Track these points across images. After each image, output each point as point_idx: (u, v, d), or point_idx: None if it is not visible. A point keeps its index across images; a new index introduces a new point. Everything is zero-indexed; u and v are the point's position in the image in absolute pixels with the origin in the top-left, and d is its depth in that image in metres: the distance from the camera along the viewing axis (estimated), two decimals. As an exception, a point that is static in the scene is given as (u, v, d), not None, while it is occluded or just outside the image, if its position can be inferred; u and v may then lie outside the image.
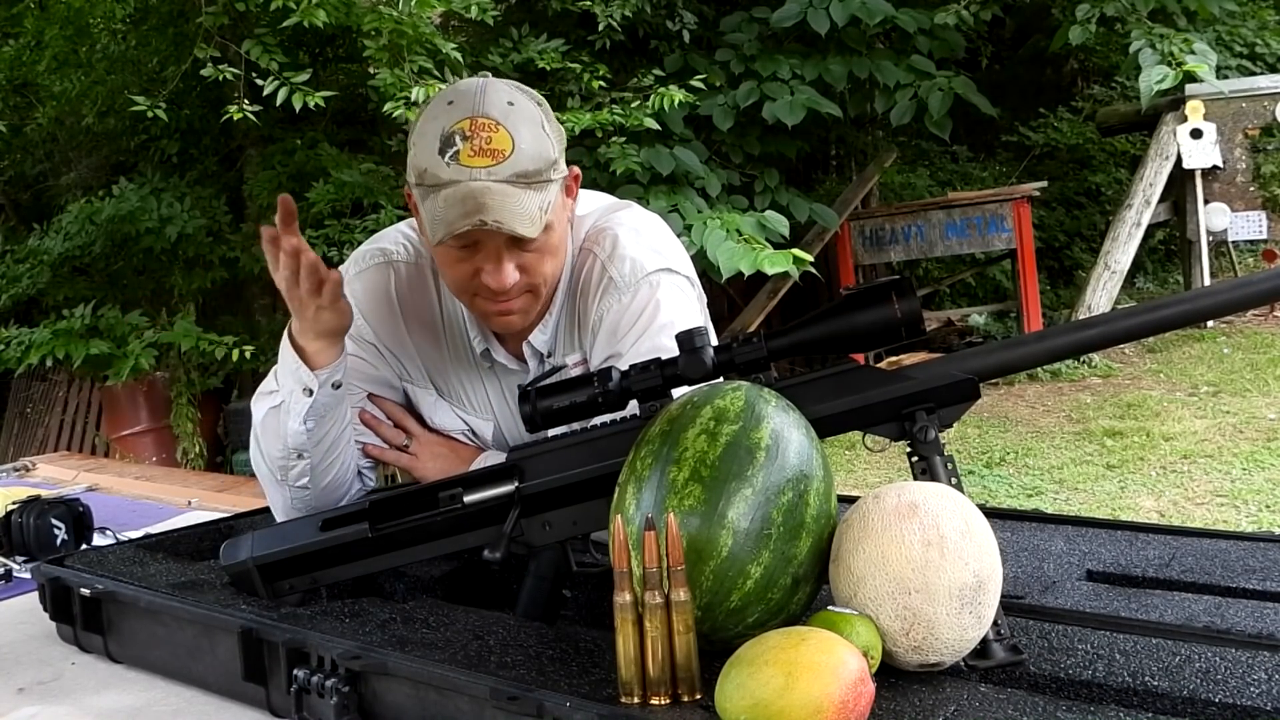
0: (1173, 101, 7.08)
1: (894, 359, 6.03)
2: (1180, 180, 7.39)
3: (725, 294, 6.76)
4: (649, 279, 1.39)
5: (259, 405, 1.39)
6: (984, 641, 0.95)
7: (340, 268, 1.51)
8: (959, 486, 1.03)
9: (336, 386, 1.35)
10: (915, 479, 1.05)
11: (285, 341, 1.35)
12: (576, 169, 1.41)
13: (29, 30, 5.76)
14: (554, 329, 1.45)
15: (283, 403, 1.35)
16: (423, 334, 1.50)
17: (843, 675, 0.81)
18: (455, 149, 1.24)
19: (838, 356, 1.12)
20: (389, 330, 1.49)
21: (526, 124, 1.28)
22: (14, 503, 1.66)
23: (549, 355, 1.46)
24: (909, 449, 1.08)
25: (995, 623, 0.95)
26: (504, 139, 1.25)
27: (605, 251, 1.42)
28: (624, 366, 1.14)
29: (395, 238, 1.53)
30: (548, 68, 5.44)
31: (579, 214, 1.48)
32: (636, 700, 0.89)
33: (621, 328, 1.38)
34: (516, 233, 1.25)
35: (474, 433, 1.53)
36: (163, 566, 1.37)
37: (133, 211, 5.47)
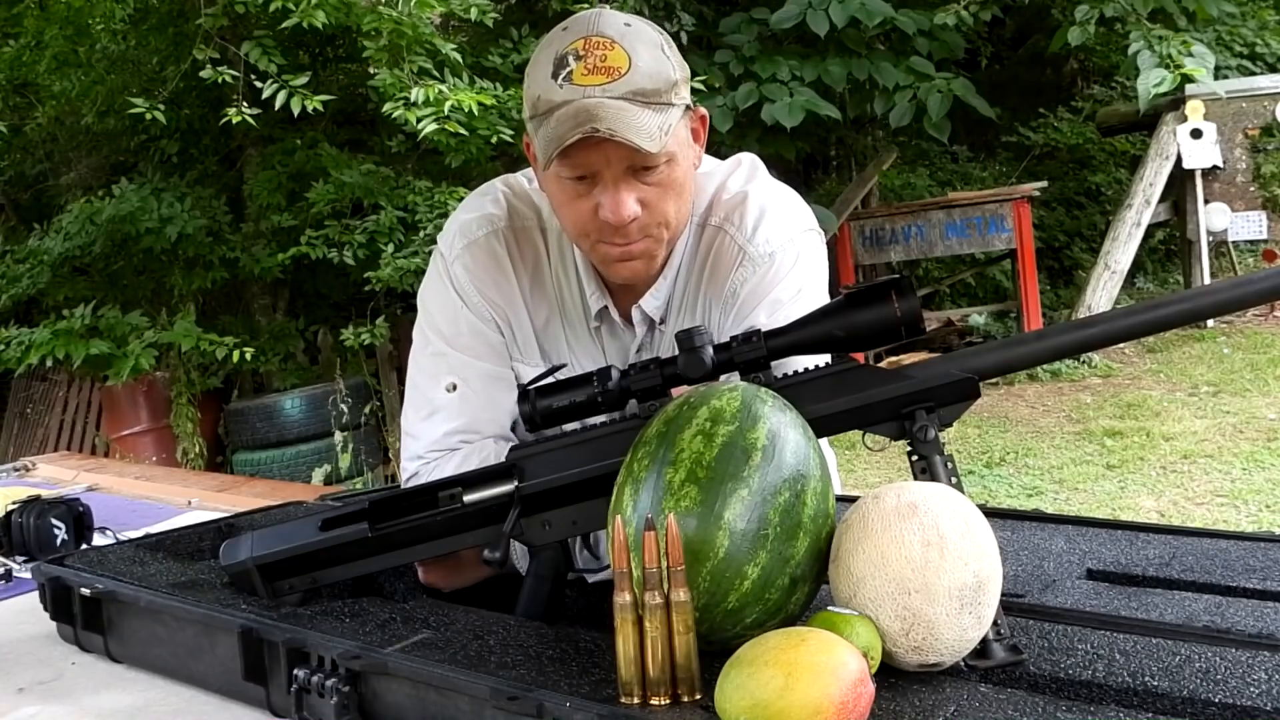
0: (1173, 101, 7.09)
1: (894, 359, 6.03)
2: (1180, 180, 7.40)
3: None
4: (784, 248, 1.36)
5: None
6: (984, 641, 0.94)
7: (441, 239, 1.46)
8: (959, 486, 1.03)
9: None
10: (915, 478, 1.05)
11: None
12: (704, 111, 1.33)
13: (29, 30, 5.77)
14: (667, 296, 1.40)
15: None
16: (535, 298, 1.43)
17: (842, 676, 0.81)
18: (568, 69, 1.19)
19: (837, 355, 1.12)
20: (506, 299, 1.43)
21: (644, 44, 1.21)
22: (14, 503, 1.65)
23: (660, 322, 1.41)
24: (909, 448, 1.07)
25: (995, 622, 0.95)
26: (619, 56, 1.19)
27: (737, 227, 1.37)
28: (768, 327, 1.11)
29: (497, 199, 1.45)
30: (548, 68, 5.42)
31: (701, 172, 1.39)
32: (636, 700, 0.89)
33: (758, 295, 1.34)
34: (633, 143, 1.17)
35: None
36: (163, 566, 1.37)
37: (133, 211, 5.48)
